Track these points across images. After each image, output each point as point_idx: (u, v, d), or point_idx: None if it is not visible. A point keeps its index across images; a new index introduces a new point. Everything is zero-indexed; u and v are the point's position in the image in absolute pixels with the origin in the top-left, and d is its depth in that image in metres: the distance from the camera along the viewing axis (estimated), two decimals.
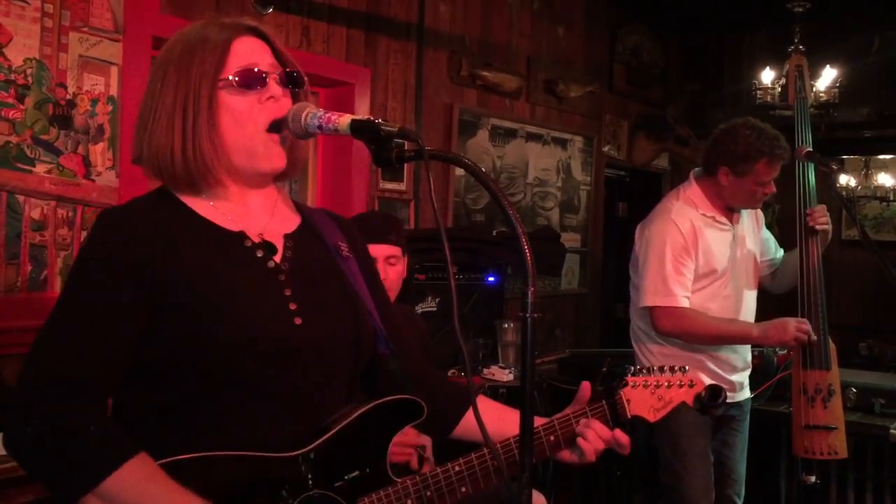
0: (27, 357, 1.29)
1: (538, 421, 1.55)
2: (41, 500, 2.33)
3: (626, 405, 1.60)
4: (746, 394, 3.15)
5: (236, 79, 1.37)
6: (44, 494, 2.27)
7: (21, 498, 2.28)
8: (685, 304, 2.89)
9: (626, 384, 1.62)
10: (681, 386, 1.64)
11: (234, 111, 1.37)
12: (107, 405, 1.34)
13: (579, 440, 1.54)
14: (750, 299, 3.10)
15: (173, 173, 1.38)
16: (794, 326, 2.86)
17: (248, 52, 1.40)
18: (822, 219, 2.99)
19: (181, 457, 1.28)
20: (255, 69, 1.39)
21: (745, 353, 3.11)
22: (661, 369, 1.65)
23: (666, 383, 1.63)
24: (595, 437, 1.54)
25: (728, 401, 3.00)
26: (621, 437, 1.57)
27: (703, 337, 2.92)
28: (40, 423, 1.24)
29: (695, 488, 2.97)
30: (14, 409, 1.28)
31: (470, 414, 1.59)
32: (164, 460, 1.27)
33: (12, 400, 1.28)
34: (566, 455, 1.57)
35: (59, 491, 1.26)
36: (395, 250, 2.62)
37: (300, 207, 1.57)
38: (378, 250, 2.57)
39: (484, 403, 1.64)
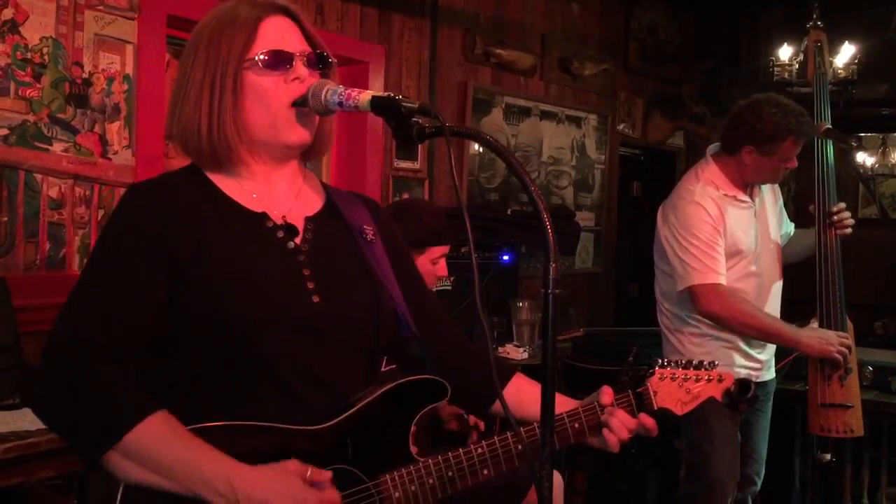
0: (56, 319, 1.33)
1: (565, 406, 1.54)
2: (62, 476, 2.36)
3: (652, 397, 1.59)
4: (772, 373, 3.12)
5: (262, 59, 1.38)
6: (64, 469, 2.32)
7: (42, 473, 2.30)
8: (723, 281, 2.84)
9: (654, 375, 1.60)
10: (709, 381, 1.62)
11: (260, 90, 1.39)
12: (131, 369, 1.35)
13: (604, 431, 1.53)
14: (777, 275, 3.07)
15: (199, 150, 1.41)
16: (838, 340, 2.85)
17: (276, 33, 1.41)
18: (847, 220, 2.97)
19: (206, 424, 1.30)
20: (282, 50, 1.39)
21: None
22: (690, 363, 1.63)
23: (694, 377, 1.61)
24: (619, 425, 1.53)
25: (756, 380, 2.99)
26: (647, 420, 1.56)
27: (747, 326, 2.85)
28: (64, 382, 1.28)
29: (722, 469, 2.94)
30: (41, 368, 1.31)
31: (507, 391, 1.60)
32: (189, 427, 1.29)
33: (41, 360, 1.32)
34: (590, 441, 1.57)
35: (83, 448, 1.29)
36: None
37: (326, 189, 1.58)
38: (446, 249, 2.76)
39: (522, 382, 1.64)
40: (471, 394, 1.58)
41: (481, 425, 2.65)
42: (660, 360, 1.63)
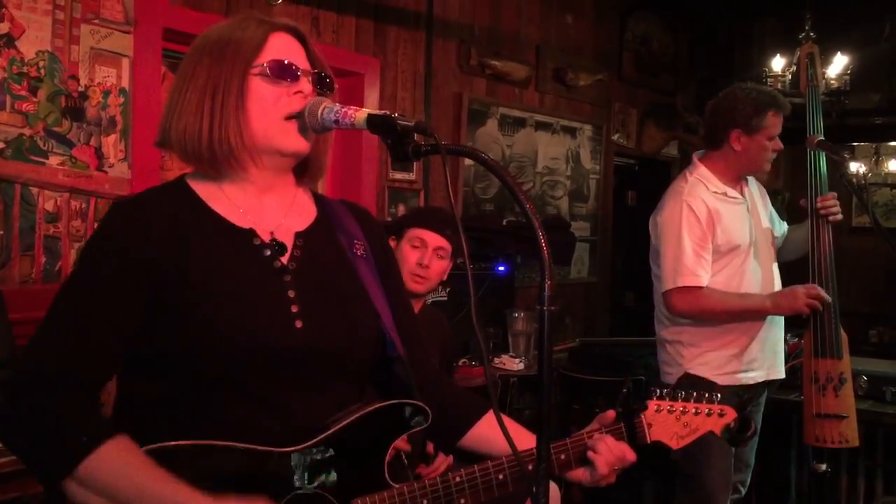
0: (27, 344, 1.32)
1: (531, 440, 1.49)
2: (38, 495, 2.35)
3: (646, 429, 1.54)
4: (769, 376, 3.08)
5: (269, 68, 1.38)
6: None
7: (39, 487, 2.28)
8: (704, 283, 2.86)
9: (647, 407, 1.54)
10: (709, 414, 1.56)
11: (262, 99, 1.38)
12: (97, 397, 1.34)
13: (590, 453, 1.48)
14: (774, 269, 3.08)
15: (199, 154, 1.38)
16: (804, 292, 2.86)
17: (283, 48, 1.41)
18: (833, 208, 2.98)
19: (174, 443, 1.27)
20: (290, 63, 1.39)
21: (777, 328, 3.08)
22: (689, 395, 1.57)
23: (693, 410, 1.55)
24: (607, 449, 1.48)
25: (750, 383, 2.98)
26: (628, 453, 1.51)
27: (720, 313, 2.88)
28: (25, 407, 1.27)
29: (715, 480, 2.94)
30: (6, 395, 1.30)
31: (479, 426, 1.56)
32: (155, 445, 1.27)
33: (7, 386, 1.30)
34: (579, 474, 1.51)
35: (41, 476, 1.28)
36: (446, 244, 2.69)
37: (320, 200, 1.55)
38: (432, 239, 2.66)
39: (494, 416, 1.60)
40: (441, 426, 1.51)
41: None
42: (657, 391, 1.56)
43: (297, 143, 1.40)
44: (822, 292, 2.88)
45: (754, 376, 2.99)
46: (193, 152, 1.38)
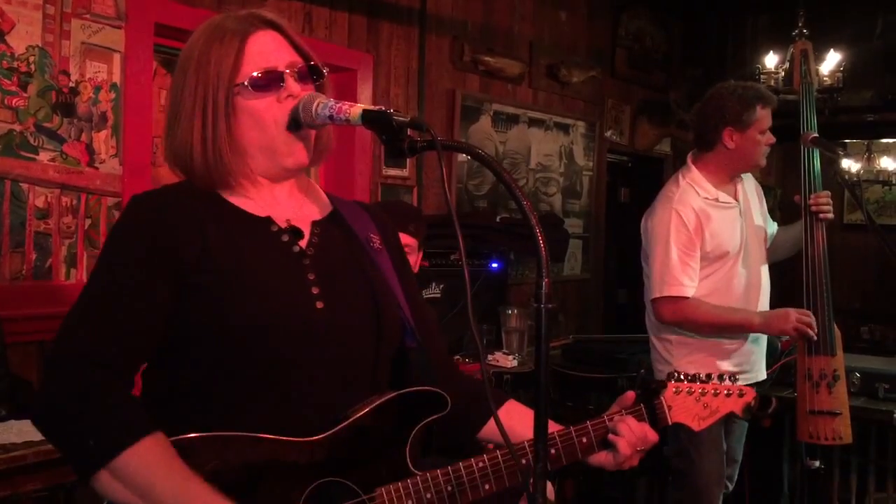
0: (58, 331, 1.32)
1: (552, 430, 1.50)
2: (49, 488, 2.34)
3: (666, 410, 1.55)
4: (759, 377, 3.11)
5: (252, 82, 1.38)
6: (52, 481, 2.30)
7: (30, 485, 2.29)
8: (690, 293, 2.88)
9: (667, 389, 1.56)
10: (729, 395, 1.58)
11: (254, 113, 1.38)
12: (132, 382, 1.35)
13: (611, 436, 1.49)
14: (764, 274, 3.10)
15: (195, 174, 1.41)
16: (796, 317, 2.87)
17: (264, 51, 1.40)
18: (825, 206, 2.99)
19: (196, 435, 1.28)
20: (271, 69, 1.39)
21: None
22: (709, 377, 1.59)
23: (713, 391, 1.57)
24: (628, 430, 1.49)
25: (745, 383, 2.99)
26: (650, 433, 1.52)
27: (706, 326, 2.91)
28: (65, 396, 1.27)
29: (707, 475, 2.96)
30: (42, 381, 1.31)
31: (500, 414, 1.54)
32: (178, 437, 1.27)
33: (43, 369, 1.33)
34: (602, 458, 1.52)
35: (77, 464, 1.28)
36: (410, 241, 2.71)
37: (331, 198, 1.57)
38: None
39: (512, 406, 1.61)
40: (460, 417, 1.53)
41: None
42: (675, 374, 1.59)
43: (299, 160, 1.42)
44: (813, 321, 2.88)
45: (742, 378, 2.99)
46: (189, 172, 1.41)
